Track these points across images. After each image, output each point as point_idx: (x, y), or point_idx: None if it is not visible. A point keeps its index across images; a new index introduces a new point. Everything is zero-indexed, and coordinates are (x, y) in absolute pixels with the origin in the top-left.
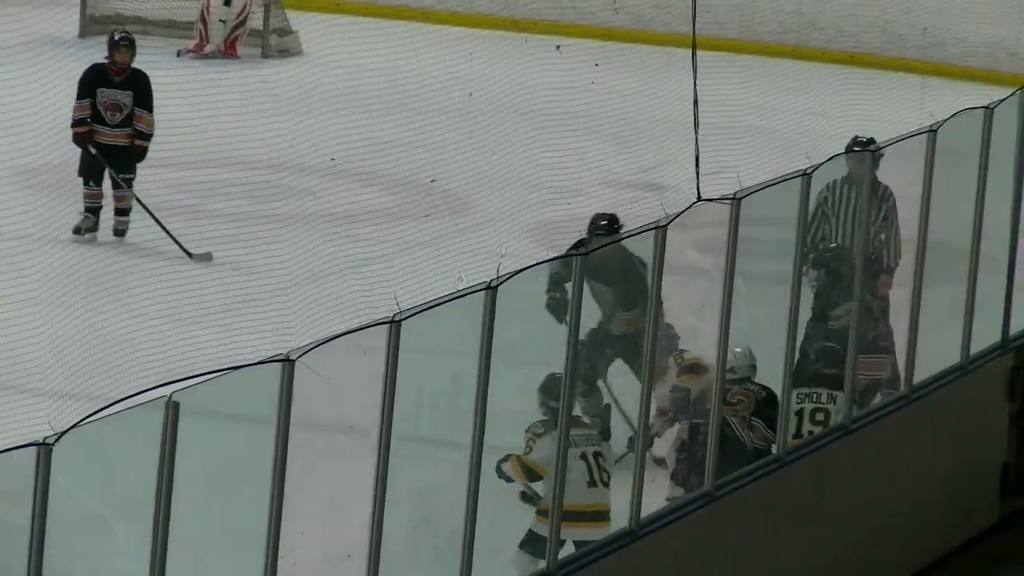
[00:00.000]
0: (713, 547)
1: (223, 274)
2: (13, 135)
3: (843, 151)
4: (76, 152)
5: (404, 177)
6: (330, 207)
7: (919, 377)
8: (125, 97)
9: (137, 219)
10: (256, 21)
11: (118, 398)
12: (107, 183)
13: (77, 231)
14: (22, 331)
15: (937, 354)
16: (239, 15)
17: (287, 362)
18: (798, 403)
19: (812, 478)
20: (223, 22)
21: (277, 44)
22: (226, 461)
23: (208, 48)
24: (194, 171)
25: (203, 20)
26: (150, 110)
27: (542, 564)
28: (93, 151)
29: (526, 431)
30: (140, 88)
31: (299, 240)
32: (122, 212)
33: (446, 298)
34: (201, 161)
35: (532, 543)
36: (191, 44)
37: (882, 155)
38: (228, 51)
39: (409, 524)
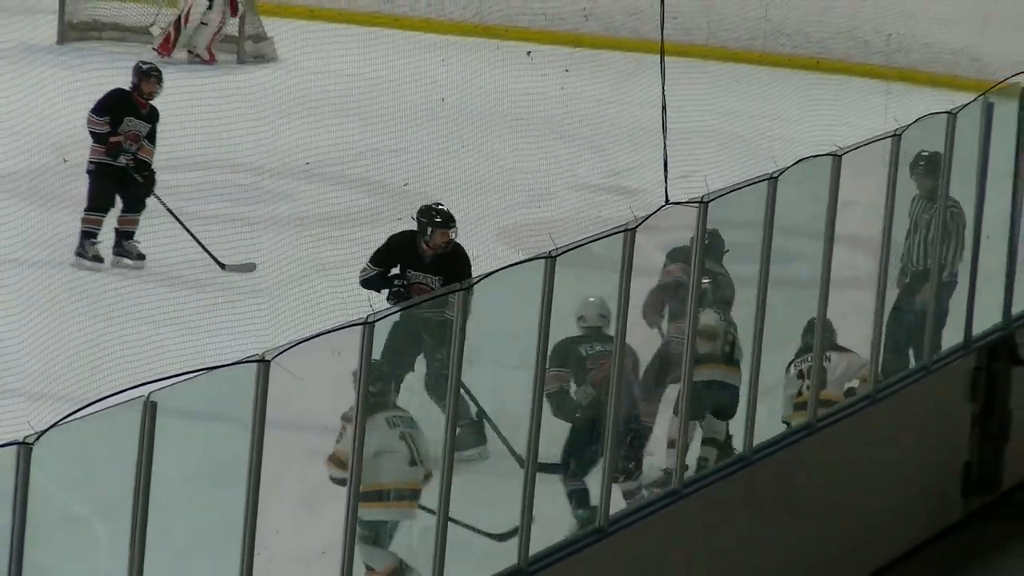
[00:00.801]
0: (681, 545)
1: (200, 275)
2: None
3: (807, 156)
4: (50, 157)
5: (378, 180)
6: (305, 210)
7: (883, 377)
8: (145, 128)
9: (112, 225)
10: (231, 27)
11: (96, 398)
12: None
13: (96, 257)
14: None
15: (901, 355)
16: (220, 21)
17: (262, 362)
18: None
19: (779, 476)
20: (205, 24)
21: (252, 50)
22: (203, 460)
23: (176, 53)
24: (172, 174)
25: (176, 26)
26: (154, 143)
27: (383, 550)
28: (124, 162)
29: (341, 417)
30: (155, 122)
31: (275, 242)
32: (127, 236)
33: (420, 301)
34: (179, 165)
35: (366, 529)
36: (157, 44)
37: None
38: (211, 58)
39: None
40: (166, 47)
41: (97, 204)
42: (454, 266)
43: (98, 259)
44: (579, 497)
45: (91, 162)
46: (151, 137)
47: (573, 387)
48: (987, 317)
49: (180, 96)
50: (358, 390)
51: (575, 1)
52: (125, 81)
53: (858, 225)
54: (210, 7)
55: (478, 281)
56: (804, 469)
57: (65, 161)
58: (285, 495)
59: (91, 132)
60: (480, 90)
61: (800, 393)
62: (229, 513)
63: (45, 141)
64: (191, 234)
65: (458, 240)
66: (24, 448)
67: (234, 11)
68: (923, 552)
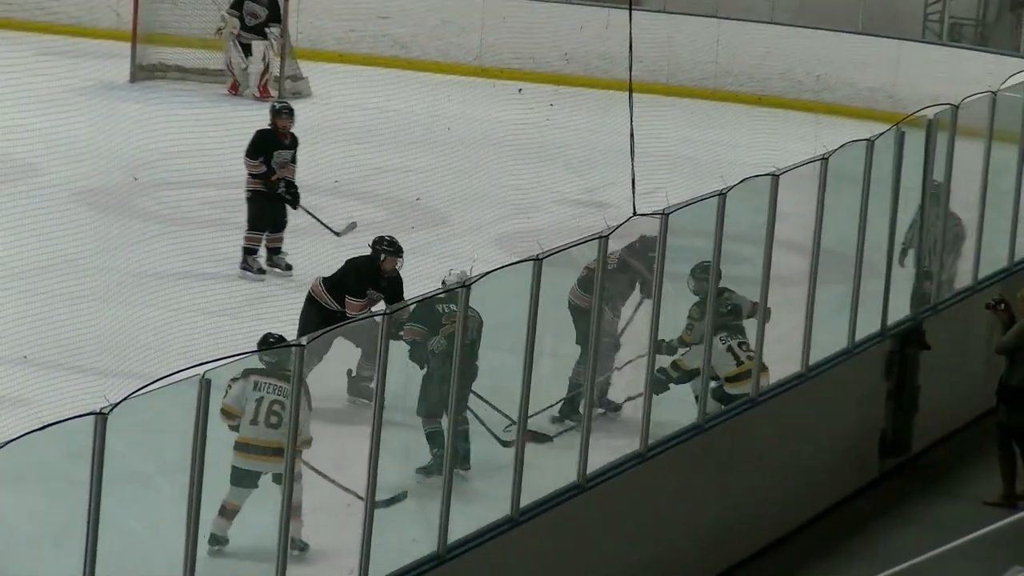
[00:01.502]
0: (645, 499)
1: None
2: (75, 163)
3: (750, 176)
4: (123, 177)
5: (394, 196)
6: (334, 221)
7: (813, 359)
8: (289, 155)
9: (174, 232)
10: (275, 68)
11: (160, 376)
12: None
13: (260, 270)
14: (80, 322)
15: (828, 340)
16: (263, 63)
17: (299, 347)
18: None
19: (726, 441)
20: (245, 70)
21: (291, 88)
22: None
23: (243, 91)
24: (220, 190)
25: (229, 68)
26: (295, 164)
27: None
28: (280, 190)
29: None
30: (296, 147)
31: (309, 247)
32: (276, 251)
33: (432, 294)
34: (228, 182)
35: (234, 476)
36: (228, 85)
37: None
38: (263, 94)
39: (397, 477)
40: (234, 87)
41: (257, 225)
42: (396, 289)
43: (262, 272)
44: (435, 438)
45: (249, 190)
46: (294, 159)
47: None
48: (899, 310)
49: (238, 128)
50: (377, 372)
51: (558, 47)
52: (185, 113)
53: (792, 232)
54: (250, 54)
55: (479, 279)
56: (748, 436)
57: (135, 180)
58: (319, 456)
59: (250, 173)
60: (479, 121)
61: (739, 365)
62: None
63: (119, 163)
64: (309, 212)
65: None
66: (100, 417)
67: (270, 56)
68: (848, 504)
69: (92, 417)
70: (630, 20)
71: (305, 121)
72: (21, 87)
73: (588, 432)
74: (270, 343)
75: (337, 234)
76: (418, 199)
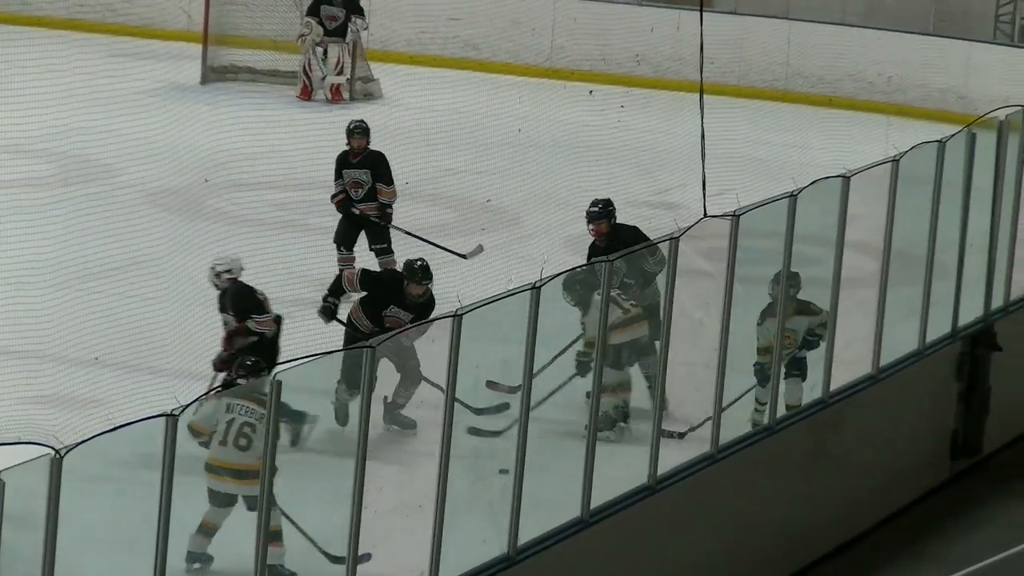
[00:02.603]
0: (715, 501)
1: (321, 274)
2: (147, 164)
3: (821, 178)
4: (194, 178)
5: (464, 197)
6: (404, 222)
7: (884, 361)
8: (363, 175)
9: (245, 233)
10: (347, 72)
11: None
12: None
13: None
14: (151, 323)
15: (899, 342)
16: (336, 67)
17: (369, 348)
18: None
19: (797, 443)
20: (323, 79)
21: (362, 89)
22: (320, 430)
23: (315, 95)
24: (290, 192)
25: (306, 72)
26: (389, 183)
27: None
28: (357, 211)
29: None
30: (376, 166)
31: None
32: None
33: (499, 296)
34: (298, 184)
35: (209, 495)
36: (298, 90)
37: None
38: (334, 97)
39: (468, 481)
40: (305, 92)
41: (338, 240)
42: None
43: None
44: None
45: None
46: (381, 179)
47: None
48: (970, 311)
49: (308, 130)
50: (448, 374)
51: (629, 49)
52: (256, 115)
53: (863, 233)
54: (325, 56)
55: (548, 281)
56: (823, 437)
57: (207, 181)
58: (388, 457)
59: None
60: (549, 122)
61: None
62: (340, 476)
63: (190, 165)
64: (430, 242)
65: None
66: (171, 419)
67: (345, 59)
68: (919, 505)
69: (163, 418)
70: (701, 22)
71: (376, 123)
72: (93, 89)
73: (658, 434)
74: (247, 365)
75: (464, 256)
76: (488, 201)
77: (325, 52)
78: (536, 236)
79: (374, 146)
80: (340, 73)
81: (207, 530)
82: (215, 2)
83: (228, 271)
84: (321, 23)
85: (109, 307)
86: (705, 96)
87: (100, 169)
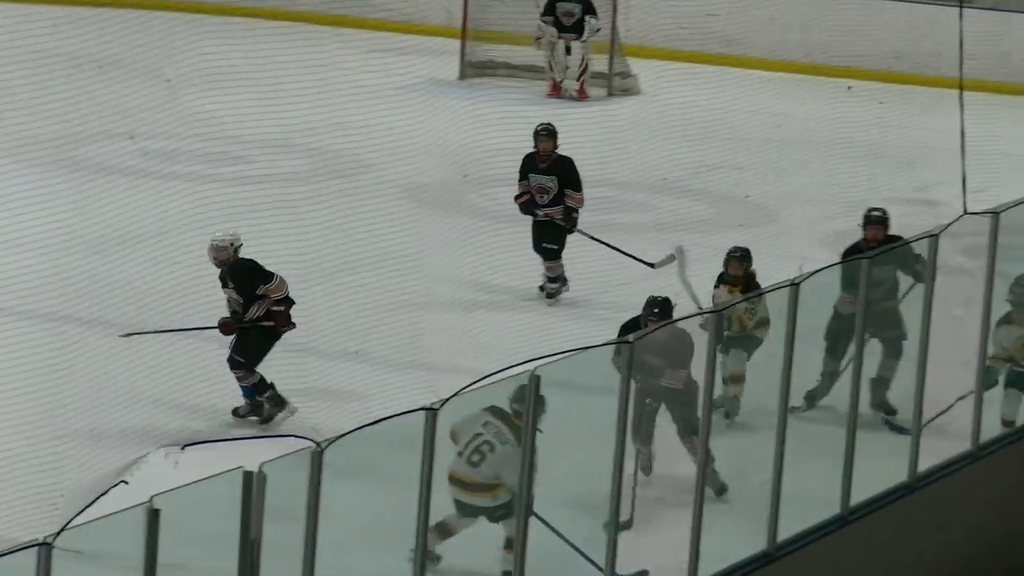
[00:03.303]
0: (978, 500)
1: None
2: (405, 159)
3: None
4: (452, 173)
5: (723, 193)
6: (661, 218)
7: None
8: (550, 182)
9: (503, 228)
10: (600, 66)
11: (488, 372)
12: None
13: (548, 294)
14: (409, 318)
15: None
16: (580, 66)
17: (627, 344)
18: None
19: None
20: (567, 68)
21: (619, 85)
22: (581, 424)
23: (564, 94)
24: None
25: (551, 68)
26: (577, 189)
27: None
28: (540, 215)
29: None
30: (564, 171)
31: (632, 244)
32: (552, 280)
33: (754, 295)
34: None
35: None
36: (548, 87)
37: None
38: (581, 96)
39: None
40: (556, 90)
41: (536, 248)
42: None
43: (550, 296)
44: None
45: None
46: (570, 185)
47: None
48: None
49: (566, 125)
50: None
51: (887, 44)
52: (512, 111)
53: None
54: (568, 52)
55: (808, 277)
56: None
57: (465, 176)
58: None
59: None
60: (807, 118)
61: None
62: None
63: (449, 159)
64: (616, 248)
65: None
66: (430, 413)
67: (588, 56)
68: None
69: (423, 413)
70: (960, 17)
71: (634, 118)
72: (352, 84)
73: (919, 431)
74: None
75: (652, 266)
76: (747, 197)
77: (567, 50)
78: (795, 232)
79: (635, 144)
80: (585, 70)
81: (444, 531)
82: None
83: (233, 245)
84: (557, 21)
85: (368, 302)
86: (964, 92)
87: (357, 164)
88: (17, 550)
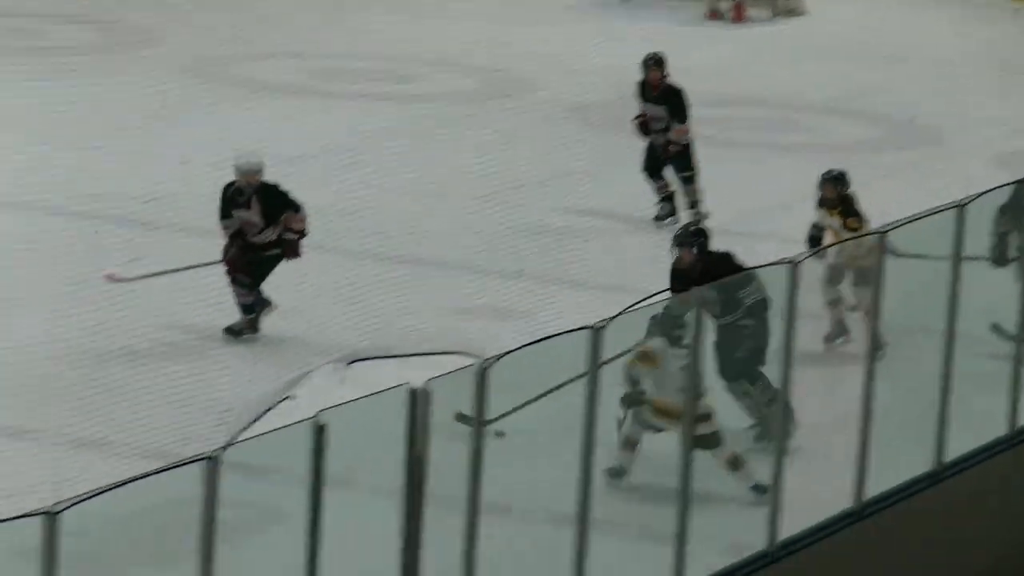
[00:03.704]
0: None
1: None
2: (568, 78)
3: None
4: (611, 94)
5: (887, 115)
6: (826, 139)
7: None
8: (659, 111)
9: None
10: None
11: (548, 335)
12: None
13: (658, 217)
14: (573, 238)
15: None
16: None
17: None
18: None
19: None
20: None
21: (784, 5)
22: None
23: (721, 17)
24: (714, 108)
25: None
26: (682, 120)
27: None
28: (651, 139)
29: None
30: (672, 102)
31: (798, 165)
32: (691, 205)
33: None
34: (722, 101)
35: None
36: (707, 9)
37: None
38: (737, 16)
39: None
40: (714, 14)
41: (644, 167)
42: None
43: (659, 218)
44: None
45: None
46: (676, 116)
47: None
48: None
49: (705, 48)
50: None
51: None
52: (668, 30)
53: None
54: None
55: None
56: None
57: (620, 97)
58: None
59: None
60: (976, 40)
61: None
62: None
63: (609, 79)
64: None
65: None
66: (594, 332)
67: None
68: None
69: (586, 331)
70: None
71: (799, 38)
72: (514, 3)
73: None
74: None
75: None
76: (913, 118)
77: None
78: (960, 155)
79: (798, 64)
80: None
81: (630, 443)
82: None
83: (262, 169)
84: None
85: (530, 221)
86: None
87: (519, 83)
88: (184, 463)
